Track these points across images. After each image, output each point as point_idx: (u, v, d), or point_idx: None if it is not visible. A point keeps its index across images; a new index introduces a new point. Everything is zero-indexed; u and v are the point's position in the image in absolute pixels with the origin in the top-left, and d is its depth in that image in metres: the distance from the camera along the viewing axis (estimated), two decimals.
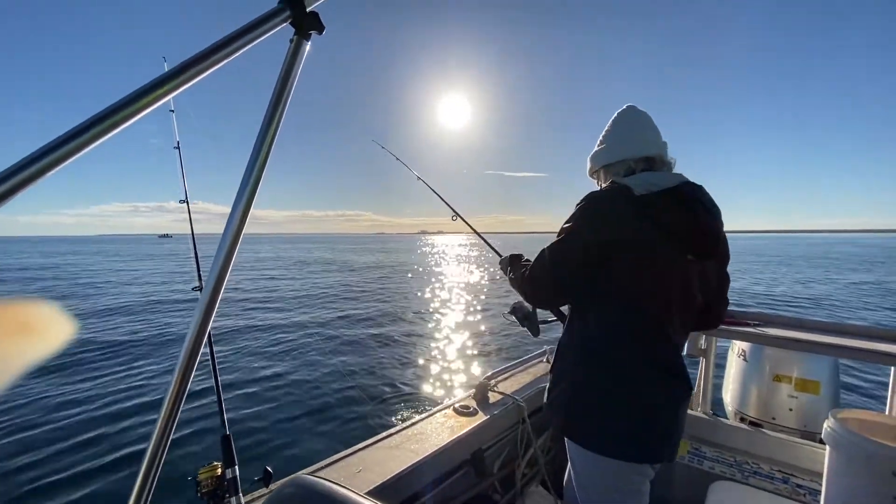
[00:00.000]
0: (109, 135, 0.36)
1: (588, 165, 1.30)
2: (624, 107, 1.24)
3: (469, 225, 1.96)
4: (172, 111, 1.53)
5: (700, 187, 1.13)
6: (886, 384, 1.65)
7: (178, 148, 1.44)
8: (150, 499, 0.54)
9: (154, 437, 0.53)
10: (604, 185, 1.24)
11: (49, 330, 0.23)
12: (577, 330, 1.17)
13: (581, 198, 1.14)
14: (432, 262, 33.74)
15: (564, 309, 1.40)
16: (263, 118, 0.49)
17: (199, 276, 1.38)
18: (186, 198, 1.37)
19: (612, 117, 1.24)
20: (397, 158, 2.21)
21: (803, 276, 19.09)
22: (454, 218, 2.00)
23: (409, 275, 22.11)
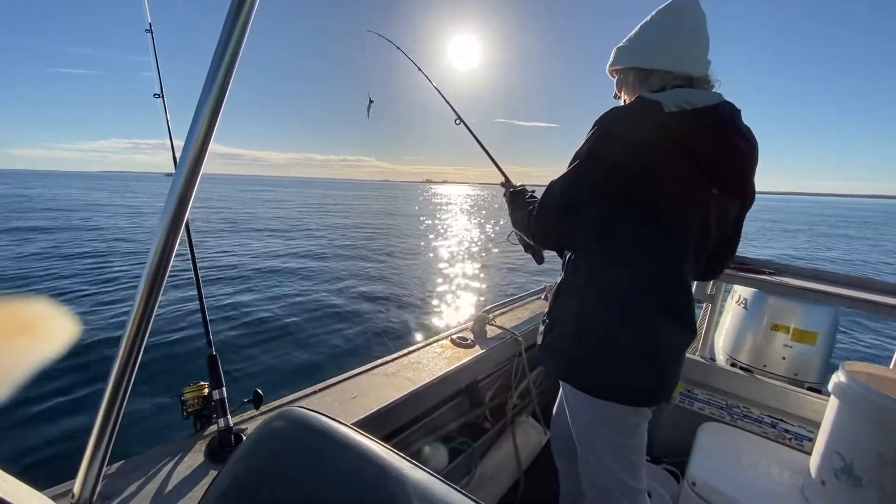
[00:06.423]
0: None
1: (612, 58, 1.08)
2: None
3: (471, 132, 1.77)
4: None
5: (738, 112, 0.96)
6: (880, 340, 1.62)
7: (151, 31, 1.22)
8: (118, 423, 0.53)
9: (118, 359, 0.48)
10: (627, 99, 1.06)
11: (51, 330, 0.22)
12: (584, 268, 1.06)
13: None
14: (438, 209, 33.41)
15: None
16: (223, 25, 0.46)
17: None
18: (162, 92, 1.18)
19: (666, 6, 0.98)
20: (398, 48, 1.94)
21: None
22: (457, 122, 1.81)
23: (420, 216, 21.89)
